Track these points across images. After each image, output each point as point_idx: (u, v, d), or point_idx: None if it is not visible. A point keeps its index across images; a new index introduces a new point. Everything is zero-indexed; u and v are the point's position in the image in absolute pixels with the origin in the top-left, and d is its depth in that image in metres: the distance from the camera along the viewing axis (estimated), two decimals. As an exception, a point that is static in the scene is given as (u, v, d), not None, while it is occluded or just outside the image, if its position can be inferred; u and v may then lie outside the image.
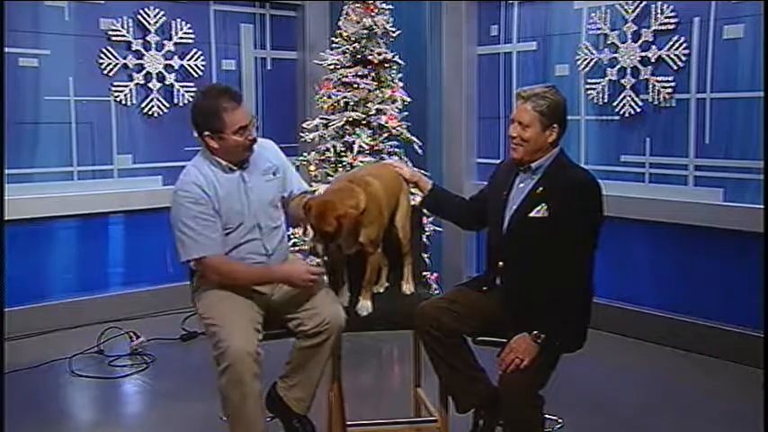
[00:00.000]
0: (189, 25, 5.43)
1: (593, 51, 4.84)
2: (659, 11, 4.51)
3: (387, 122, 4.69)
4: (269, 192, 2.90)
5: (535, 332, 2.60)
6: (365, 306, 2.95)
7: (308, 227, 2.79)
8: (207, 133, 2.76)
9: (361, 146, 4.58)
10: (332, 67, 4.78)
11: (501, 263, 2.80)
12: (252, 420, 2.69)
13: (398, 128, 4.75)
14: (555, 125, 2.72)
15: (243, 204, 2.82)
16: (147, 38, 5.27)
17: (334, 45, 4.86)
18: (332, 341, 2.82)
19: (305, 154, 4.84)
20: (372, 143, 4.64)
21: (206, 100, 2.80)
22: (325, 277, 3.15)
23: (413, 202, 3.24)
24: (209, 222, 2.76)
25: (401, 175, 3.13)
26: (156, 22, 5.27)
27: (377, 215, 2.89)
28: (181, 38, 5.41)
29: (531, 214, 2.70)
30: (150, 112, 5.33)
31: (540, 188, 2.72)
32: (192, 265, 2.83)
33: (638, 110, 4.66)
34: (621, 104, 4.72)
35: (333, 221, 2.70)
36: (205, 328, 2.80)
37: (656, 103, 4.58)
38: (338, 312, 2.84)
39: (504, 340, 2.67)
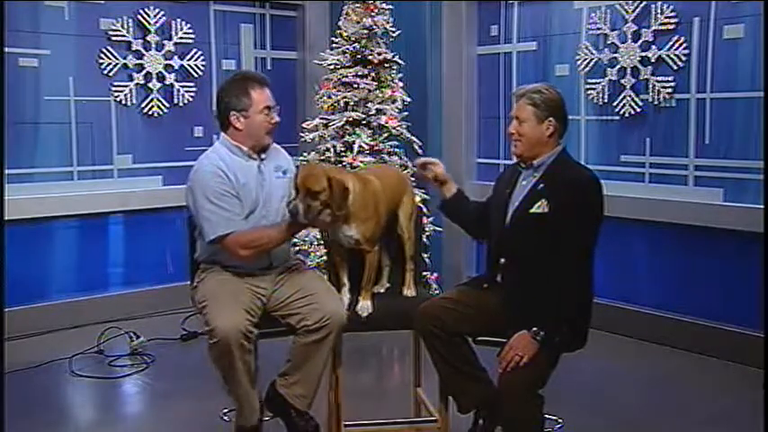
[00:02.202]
0: (189, 25, 5.43)
1: (594, 51, 4.84)
2: (659, 11, 4.51)
3: (387, 122, 4.69)
4: (279, 188, 2.95)
5: (534, 329, 2.60)
6: (365, 306, 2.95)
7: (293, 189, 2.80)
8: (233, 113, 2.85)
9: (361, 146, 4.58)
10: (332, 67, 4.78)
11: (502, 259, 2.81)
12: (243, 386, 2.77)
13: (398, 128, 4.75)
14: (551, 118, 2.74)
15: (257, 193, 2.89)
16: (147, 38, 5.26)
17: (334, 45, 4.86)
18: (333, 337, 2.83)
19: (305, 154, 4.84)
20: (372, 143, 4.64)
21: (234, 81, 2.92)
22: (325, 276, 3.16)
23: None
24: (234, 200, 2.82)
25: (434, 173, 3.05)
26: (156, 22, 5.27)
27: (373, 212, 2.89)
28: (181, 38, 5.41)
29: (533, 210, 2.71)
30: (150, 112, 5.33)
31: (542, 185, 2.74)
32: (216, 245, 2.83)
33: (638, 110, 4.66)
34: (621, 104, 4.72)
35: (323, 181, 2.72)
36: (200, 313, 2.86)
37: (656, 103, 4.58)
38: (339, 308, 2.86)
39: (505, 340, 2.67)
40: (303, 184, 2.72)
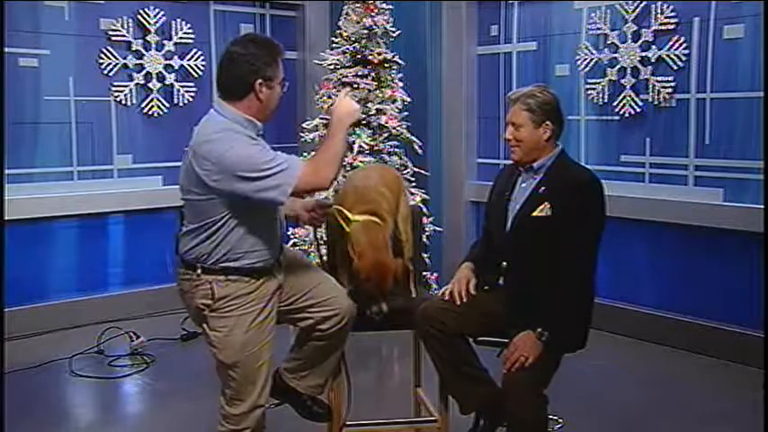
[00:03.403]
0: (189, 25, 5.43)
1: (593, 51, 4.84)
2: (659, 11, 4.51)
3: (387, 122, 4.69)
4: None
5: (539, 330, 2.60)
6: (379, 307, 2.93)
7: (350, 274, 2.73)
8: (260, 81, 2.49)
9: (361, 146, 4.58)
10: (332, 67, 4.78)
11: (504, 263, 2.80)
12: None
13: (398, 128, 4.75)
14: (547, 122, 2.73)
15: None
16: (147, 38, 5.27)
17: (334, 45, 4.86)
18: (348, 331, 2.76)
19: (305, 154, 4.84)
20: (372, 143, 4.64)
21: (260, 45, 2.54)
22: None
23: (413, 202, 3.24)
24: (273, 151, 2.44)
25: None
26: (156, 22, 5.28)
27: (390, 222, 2.90)
28: (181, 38, 5.41)
29: (535, 214, 2.70)
30: (150, 112, 5.33)
31: (543, 188, 2.73)
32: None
33: (638, 110, 4.66)
34: (621, 104, 4.72)
35: (391, 281, 2.72)
36: (227, 371, 2.56)
37: (656, 103, 4.58)
38: (349, 304, 2.74)
39: (506, 340, 2.67)
40: (375, 286, 2.70)
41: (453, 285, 2.85)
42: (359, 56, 4.71)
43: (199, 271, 2.57)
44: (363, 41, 4.69)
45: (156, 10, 5.27)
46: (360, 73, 4.69)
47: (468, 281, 2.85)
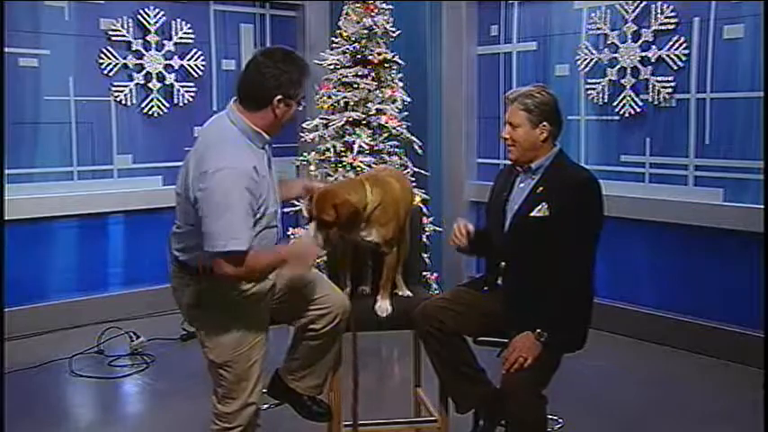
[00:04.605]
0: (189, 25, 5.43)
1: (593, 51, 4.84)
2: (659, 11, 4.51)
3: (387, 122, 4.69)
4: (275, 176, 2.67)
5: (538, 330, 2.60)
6: (384, 307, 2.93)
7: (310, 217, 2.73)
8: (280, 97, 2.46)
9: (361, 146, 4.58)
10: (332, 67, 4.78)
11: (503, 263, 2.80)
12: None
13: (398, 128, 4.75)
14: (545, 123, 2.72)
15: (269, 193, 2.51)
16: (147, 38, 5.27)
17: (334, 45, 4.85)
18: (343, 328, 2.77)
19: (305, 154, 4.83)
20: (372, 143, 4.63)
21: (292, 62, 2.49)
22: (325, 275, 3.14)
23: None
24: (252, 213, 2.41)
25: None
26: (156, 22, 5.28)
27: (393, 215, 2.89)
28: (181, 38, 5.41)
29: (533, 214, 2.70)
30: (150, 112, 5.33)
31: (541, 188, 2.73)
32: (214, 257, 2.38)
33: (638, 110, 4.66)
34: (621, 104, 4.73)
35: (330, 210, 2.67)
36: (217, 371, 2.55)
37: (656, 103, 4.58)
38: (344, 301, 2.77)
39: (505, 340, 2.68)
40: (316, 215, 2.68)
41: (453, 230, 2.87)
42: (359, 56, 4.70)
43: (191, 271, 2.55)
44: (363, 41, 4.68)
45: (156, 10, 5.27)
46: (360, 73, 4.68)
47: (466, 224, 2.86)
